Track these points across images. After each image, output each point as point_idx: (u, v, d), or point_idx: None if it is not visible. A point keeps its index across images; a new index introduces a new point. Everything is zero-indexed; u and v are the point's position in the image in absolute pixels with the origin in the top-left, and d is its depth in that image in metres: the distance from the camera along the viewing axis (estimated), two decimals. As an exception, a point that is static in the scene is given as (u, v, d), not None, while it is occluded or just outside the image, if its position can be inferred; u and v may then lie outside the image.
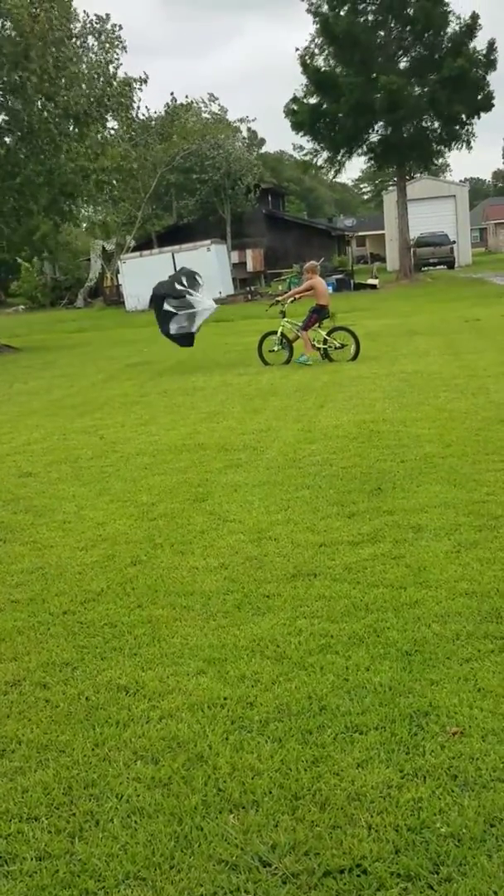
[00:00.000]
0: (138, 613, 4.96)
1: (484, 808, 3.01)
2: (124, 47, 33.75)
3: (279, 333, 16.23)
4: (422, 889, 2.70)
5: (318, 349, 15.73)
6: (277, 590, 5.10)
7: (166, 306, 16.48)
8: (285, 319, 16.12)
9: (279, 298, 16.46)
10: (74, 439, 10.50)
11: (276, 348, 16.25)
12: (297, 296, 16.40)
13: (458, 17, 40.90)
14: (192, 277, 17.05)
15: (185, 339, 16.96)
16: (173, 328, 16.72)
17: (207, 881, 2.80)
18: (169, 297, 16.52)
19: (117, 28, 33.43)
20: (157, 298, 16.71)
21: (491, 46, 40.45)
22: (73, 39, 29.45)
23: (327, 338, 15.78)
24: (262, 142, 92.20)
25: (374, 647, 4.26)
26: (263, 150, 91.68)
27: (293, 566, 5.46)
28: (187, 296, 16.55)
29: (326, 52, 42.27)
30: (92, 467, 8.85)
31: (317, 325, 15.87)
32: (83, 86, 28.59)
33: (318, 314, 15.77)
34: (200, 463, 8.54)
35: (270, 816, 3.07)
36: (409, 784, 3.18)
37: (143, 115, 49.97)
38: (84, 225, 53.17)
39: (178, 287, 16.67)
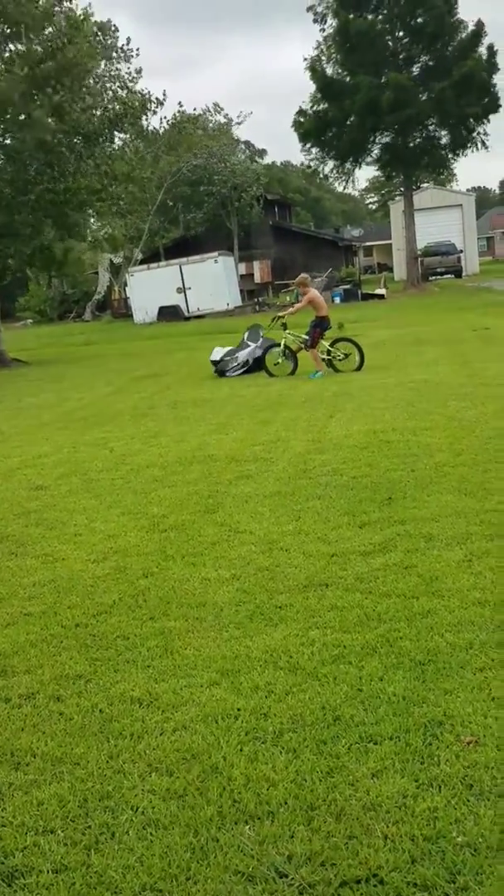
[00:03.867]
0: (151, 625, 4.97)
1: (500, 817, 3.00)
2: (138, 69, 34.04)
3: (282, 345, 16.32)
4: (439, 899, 2.69)
5: (323, 360, 15.75)
6: (289, 600, 5.11)
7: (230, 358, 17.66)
8: (287, 332, 16.18)
9: (280, 315, 16.57)
10: (84, 452, 10.53)
11: (280, 360, 16.33)
12: (297, 311, 16.47)
13: (465, 25, 41.25)
14: (254, 335, 18.36)
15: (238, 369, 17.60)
16: (229, 370, 17.55)
17: (224, 892, 2.80)
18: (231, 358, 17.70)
19: (130, 47, 33.80)
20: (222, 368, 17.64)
21: (491, 50, 40.89)
22: (92, 62, 29.63)
23: (331, 349, 15.84)
24: (264, 152, 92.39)
25: (387, 657, 4.25)
26: (268, 160, 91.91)
27: (305, 577, 5.46)
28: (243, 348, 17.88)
29: (335, 58, 42.57)
30: (102, 480, 8.87)
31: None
32: (98, 101, 28.75)
33: (320, 327, 15.78)
34: (210, 474, 8.56)
35: (286, 827, 3.07)
36: (425, 794, 3.18)
37: (153, 128, 50.38)
38: (89, 239, 53.35)
39: (246, 345, 18.05)
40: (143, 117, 35.18)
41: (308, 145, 43.56)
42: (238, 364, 17.33)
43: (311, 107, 43.02)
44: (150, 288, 43.18)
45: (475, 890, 2.70)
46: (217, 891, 2.81)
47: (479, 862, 2.81)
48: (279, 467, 8.53)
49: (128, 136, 37.19)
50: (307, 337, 15.82)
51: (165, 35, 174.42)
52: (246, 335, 18.53)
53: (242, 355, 17.46)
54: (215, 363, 17.61)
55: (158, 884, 2.86)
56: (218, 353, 17.81)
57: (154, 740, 3.73)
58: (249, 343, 17.87)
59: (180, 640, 4.71)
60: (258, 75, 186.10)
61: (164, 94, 62.31)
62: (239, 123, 69.81)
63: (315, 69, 42.07)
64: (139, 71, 39.62)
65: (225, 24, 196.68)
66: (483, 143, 43.13)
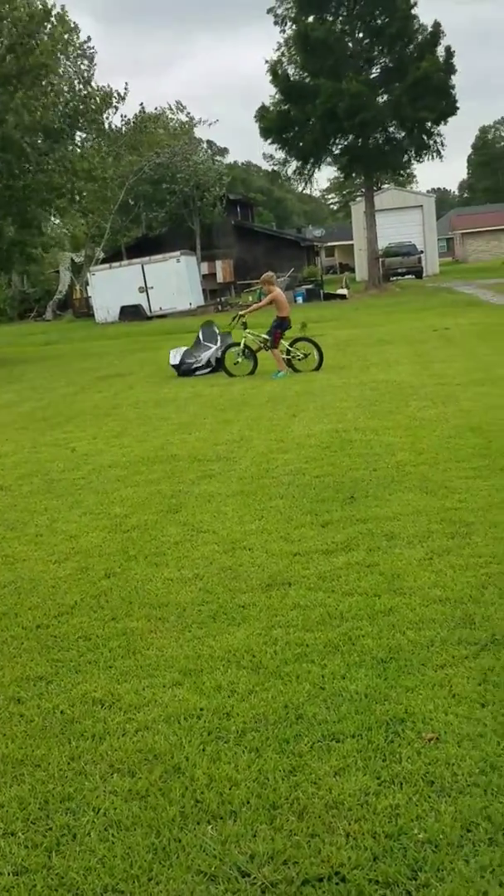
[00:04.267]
0: (113, 626, 4.94)
1: (461, 814, 3.03)
2: (90, 60, 33.86)
3: (242, 345, 16.33)
4: (400, 895, 2.70)
5: (283, 360, 15.79)
6: (252, 600, 5.11)
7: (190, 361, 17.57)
8: (247, 331, 16.19)
9: (241, 313, 16.55)
10: (46, 452, 10.45)
11: (239, 360, 16.34)
12: (258, 310, 16.48)
13: (423, 27, 41.41)
14: (209, 334, 18.22)
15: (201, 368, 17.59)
16: (183, 367, 17.53)
17: (186, 892, 2.79)
18: (197, 356, 17.64)
19: (89, 43, 33.57)
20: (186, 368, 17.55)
21: (448, 51, 41.08)
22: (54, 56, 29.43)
23: (290, 348, 15.89)
24: (226, 150, 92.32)
25: (349, 655, 4.27)
26: (230, 159, 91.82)
27: (268, 576, 5.47)
28: (204, 350, 17.76)
29: (296, 61, 42.58)
30: (64, 480, 8.81)
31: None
32: (59, 100, 28.57)
33: (281, 327, 15.81)
34: (173, 474, 8.54)
35: (248, 826, 3.07)
36: (387, 791, 3.19)
37: (115, 126, 50.19)
38: (46, 237, 52.97)
39: (203, 346, 17.91)
40: (105, 113, 35.04)
41: (270, 141, 43.51)
42: (202, 364, 17.30)
43: (273, 107, 43.00)
44: (111, 287, 42.96)
45: (436, 886, 2.72)
46: (179, 891, 2.80)
47: (441, 858, 2.83)
48: (242, 467, 8.53)
49: (88, 134, 37.05)
50: (267, 336, 15.85)
51: (123, 34, 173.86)
52: (200, 335, 18.39)
53: (206, 356, 17.42)
54: (176, 367, 17.54)
55: (120, 885, 2.85)
56: (175, 356, 17.70)
57: (116, 741, 3.71)
58: (208, 344, 17.80)
59: (143, 641, 4.69)
60: (218, 74, 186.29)
61: (126, 87, 62.07)
62: (209, 125, 69.77)
63: (276, 73, 42.04)
64: (92, 60, 39.26)
65: (184, 23, 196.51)
66: (438, 152, 43.39)
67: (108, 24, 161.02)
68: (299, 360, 15.84)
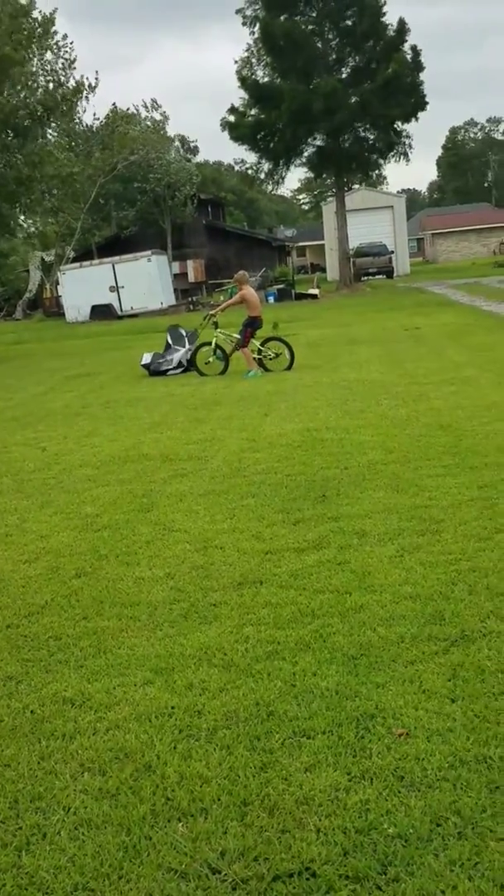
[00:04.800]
0: (84, 625, 4.92)
1: (430, 808, 3.05)
2: (71, 59, 33.70)
3: (213, 344, 16.33)
4: (370, 890, 2.71)
5: (254, 359, 15.80)
6: (224, 598, 5.11)
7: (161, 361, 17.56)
8: (218, 330, 16.20)
9: (212, 313, 16.53)
10: (16, 452, 10.38)
11: (210, 359, 16.34)
12: (228, 308, 16.49)
13: (390, 26, 41.53)
14: (177, 336, 18.15)
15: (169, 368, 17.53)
16: (153, 367, 17.50)
17: (157, 890, 2.79)
18: (167, 358, 17.60)
19: (66, 39, 33.43)
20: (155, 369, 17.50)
21: (415, 50, 41.21)
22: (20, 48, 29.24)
23: (261, 348, 15.92)
24: (196, 150, 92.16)
25: (320, 652, 4.28)
26: (200, 158, 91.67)
27: (239, 574, 5.47)
28: (174, 352, 17.73)
29: (265, 61, 42.52)
30: (34, 480, 8.76)
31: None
32: (24, 93, 28.41)
33: (252, 326, 15.83)
34: (145, 473, 8.52)
35: (219, 823, 3.07)
36: (357, 786, 3.21)
37: (87, 123, 49.99)
38: (21, 236, 52.69)
39: (173, 350, 17.84)
40: (77, 106, 34.85)
41: (240, 143, 43.43)
42: (173, 366, 17.28)
43: (243, 109, 42.93)
44: (82, 286, 42.75)
45: (406, 880, 2.73)
46: (150, 889, 2.80)
47: (410, 853, 2.85)
48: (214, 466, 8.53)
49: (56, 131, 36.88)
50: (238, 336, 15.86)
51: (90, 32, 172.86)
52: (168, 338, 18.31)
53: (176, 357, 17.40)
54: (146, 366, 17.53)
55: (91, 883, 2.84)
56: (147, 357, 17.75)
57: (86, 740, 3.70)
58: (177, 347, 17.77)
59: (114, 640, 4.68)
60: (187, 73, 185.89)
61: (97, 76, 61.66)
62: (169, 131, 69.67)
63: (244, 77, 41.92)
64: (73, 62, 39.09)
65: (151, 22, 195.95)
66: (406, 153, 43.59)
67: (71, 21, 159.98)
68: (270, 359, 15.88)
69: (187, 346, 17.57)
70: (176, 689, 4.06)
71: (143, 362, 17.70)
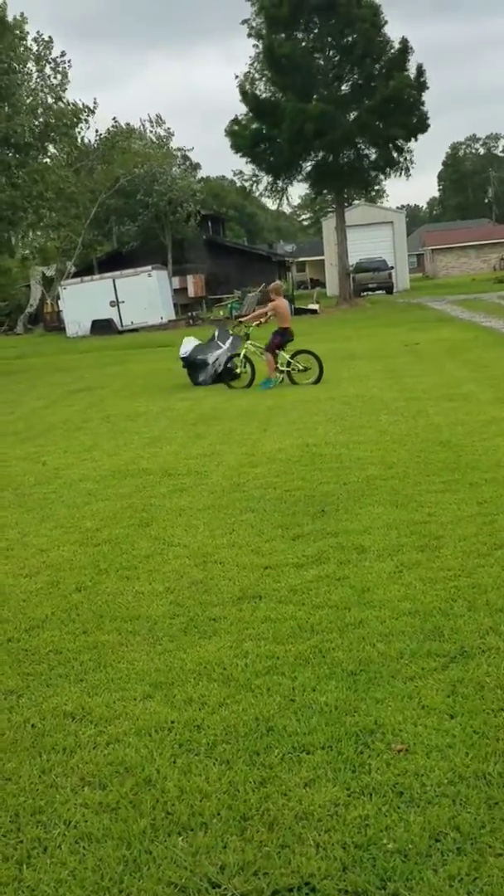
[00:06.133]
0: (84, 639, 4.94)
1: (429, 824, 3.06)
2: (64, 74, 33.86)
3: (242, 355, 16.29)
4: (370, 905, 2.73)
5: (282, 371, 15.78)
6: (223, 613, 5.13)
7: (201, 357, 17.29)
8: (249, 342, 16.18)
9: (242, 319, 16.42)
10: (16, 466, 10.41)
11: (239, 370, 16.32)
12: (261, 319, 16.40)
13: (391, 44, 41.72)
14: (224, 335, 18.08)
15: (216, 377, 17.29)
16: (201, 378, 17.20)
17: (157, 905, 2.80)
18: (207, 354, 17.37)
19: (64, 57, 33.56)
20: (195, 363, 17.33)
21: (419, 69, 41.29)
22: (17, 69, 29.42)
23: (291, 360, 15.83)
24: (198, 166, 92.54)
25: (319, 667, 4.30)
26: (202, 173, 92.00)
27: (239, 589, 5.49)
28: (216, 348, 17.57)
29: (266, 78, 42.75)
30: (35, 494, 8.79)
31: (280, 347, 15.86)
32: (26, 115, 28.57)
33: (282, 337, 15.75)
34: (144, 488, 8.54)
35: (219, 838, 3.09)
36: (356, 802, 3.22)
37: (88, 140, 50.19)
38: (23, 253, 52.79)
39: (216, 344, 17.71)
40: (77, 128, 35.02)
41: (240, 154, 43.61)
42: (210, 369, 17.03)
43: (244, 122, 43.14)
44: (83, 301, 42.86)
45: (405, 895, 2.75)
46: (150, 903, 2.81)
47: (410, 868, 2.86)
48: (213, 480, 8.55)
49: (60, 146, 37.03)
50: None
51: (86, 50, 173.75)
52: (216, 333, 18.13)
53: (217, 354, 17.18)
54: (185, 359, 17.19)
55: (91, 898, 2.85)
56: (186, 347, 17.32)
57: (87, 754, 3.71)
58: (220, 343, 17.55)
59: (114, 654, 4.70)
60: (189, 89, 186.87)
61: (95, 102, 62.12)
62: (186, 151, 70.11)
63: (245, 92, 42.14)
64: (65, 76, 39.25)
65: (148, 39, 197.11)
66: (407, 169, 43.74)
67: (67, 39, 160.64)
68: (299, 371, 15.79)
69: (229, 346, 17.38)
70: (175, 703, 4.08)
71: (182, 352, 17.33)
